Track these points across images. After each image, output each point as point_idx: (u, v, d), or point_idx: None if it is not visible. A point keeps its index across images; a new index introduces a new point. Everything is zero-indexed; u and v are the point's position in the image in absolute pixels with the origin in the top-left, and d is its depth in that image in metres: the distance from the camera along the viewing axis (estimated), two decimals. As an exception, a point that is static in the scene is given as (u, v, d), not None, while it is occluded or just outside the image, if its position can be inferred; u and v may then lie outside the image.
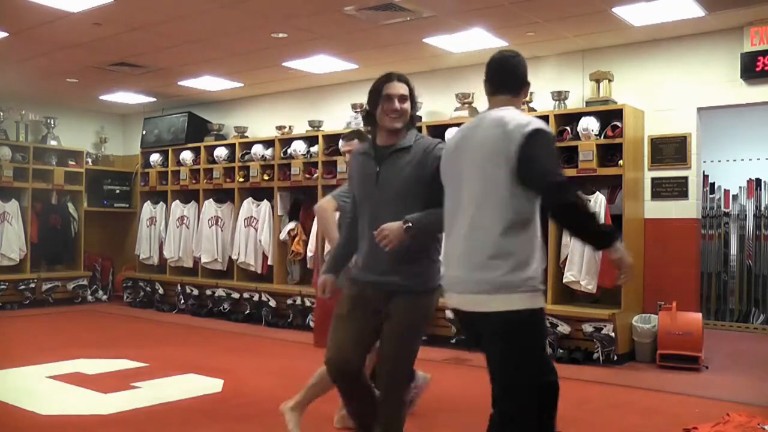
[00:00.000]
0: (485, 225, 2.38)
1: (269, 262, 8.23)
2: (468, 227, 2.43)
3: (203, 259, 8.78)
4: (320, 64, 7.40)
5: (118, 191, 10.41)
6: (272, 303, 7.90)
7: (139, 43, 6.71)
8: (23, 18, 5.94)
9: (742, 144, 8.41)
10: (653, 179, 6.25)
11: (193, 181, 9.09)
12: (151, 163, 9.62)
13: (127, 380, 5.04)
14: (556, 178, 2.30)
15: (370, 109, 2.92)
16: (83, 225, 9.89)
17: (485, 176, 2.39)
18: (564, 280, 6.08)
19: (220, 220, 8.77)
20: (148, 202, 9.79)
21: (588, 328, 5.77)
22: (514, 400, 2.40)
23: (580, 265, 5.97)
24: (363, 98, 7.11)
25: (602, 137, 6.06)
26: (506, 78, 2.57)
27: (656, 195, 6.25)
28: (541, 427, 2.40)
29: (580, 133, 6.08)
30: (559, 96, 6.50)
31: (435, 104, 7.36)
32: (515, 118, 2.40)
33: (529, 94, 6.46)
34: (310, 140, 7.97)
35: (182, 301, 8.89)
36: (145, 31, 6.31)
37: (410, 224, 2.69)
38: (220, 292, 8.41)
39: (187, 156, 9.12)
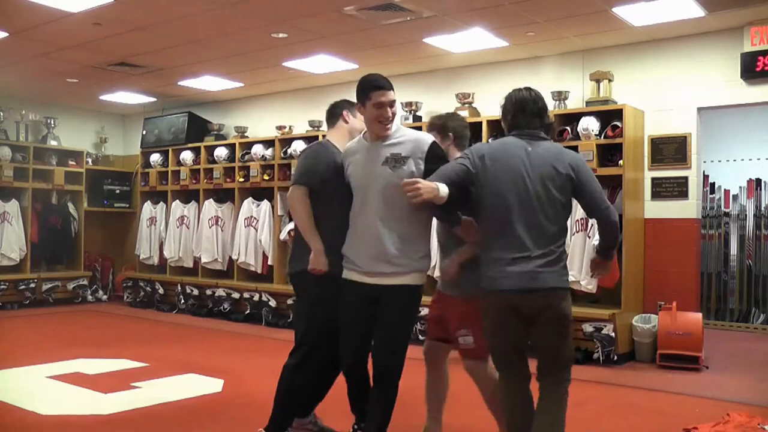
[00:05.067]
0: None
1: (269, 262, 8.23)
2: None
3: (203, 259, 8.78)
4: (320, 64, 7.39)
5: (118, 191, 10.41)
6: (272, 303, 7.90)
7: (139, 43, 6.71)
8: (23, 18, 5.94)
9: (742, 144, 8.40)
10: (653, 179, 6.25)
11: (193, 181, 9.09)
12: (152, 163, 9.62)
13: (127, 380, 5.04)
14: None
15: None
16: (83, 225, 9.88)
17: None
18: (564, 280, 6.07)
19: (220, 220, 8.77)
20: (148, 202, 9.79)
21: (588, 328, 5.76)
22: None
23: (580, 265, 5.96)
24: (363, 98, 7.19)
25: (602, 137, 6.05)
26: None
27: (656, 195, 6.25)
28: None
29: (580, 133, 6.07)
30: (559, 96, 6.49)
31: (435, 104, 7.35)
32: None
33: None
34: (311, 140, 7.94)
35: (182, 301, 8.89)
36: (145, 31, 6.31)
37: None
38: (220, 292, 8.41)
39: (187, 156, 9.13)
